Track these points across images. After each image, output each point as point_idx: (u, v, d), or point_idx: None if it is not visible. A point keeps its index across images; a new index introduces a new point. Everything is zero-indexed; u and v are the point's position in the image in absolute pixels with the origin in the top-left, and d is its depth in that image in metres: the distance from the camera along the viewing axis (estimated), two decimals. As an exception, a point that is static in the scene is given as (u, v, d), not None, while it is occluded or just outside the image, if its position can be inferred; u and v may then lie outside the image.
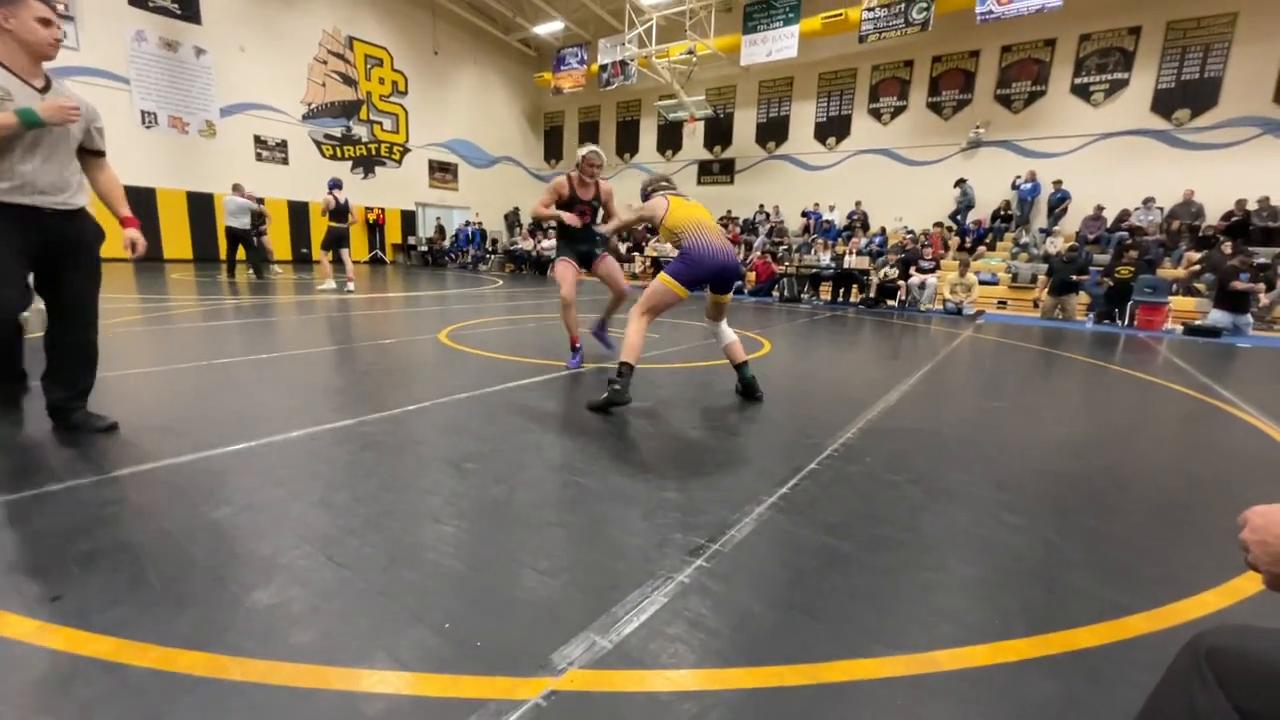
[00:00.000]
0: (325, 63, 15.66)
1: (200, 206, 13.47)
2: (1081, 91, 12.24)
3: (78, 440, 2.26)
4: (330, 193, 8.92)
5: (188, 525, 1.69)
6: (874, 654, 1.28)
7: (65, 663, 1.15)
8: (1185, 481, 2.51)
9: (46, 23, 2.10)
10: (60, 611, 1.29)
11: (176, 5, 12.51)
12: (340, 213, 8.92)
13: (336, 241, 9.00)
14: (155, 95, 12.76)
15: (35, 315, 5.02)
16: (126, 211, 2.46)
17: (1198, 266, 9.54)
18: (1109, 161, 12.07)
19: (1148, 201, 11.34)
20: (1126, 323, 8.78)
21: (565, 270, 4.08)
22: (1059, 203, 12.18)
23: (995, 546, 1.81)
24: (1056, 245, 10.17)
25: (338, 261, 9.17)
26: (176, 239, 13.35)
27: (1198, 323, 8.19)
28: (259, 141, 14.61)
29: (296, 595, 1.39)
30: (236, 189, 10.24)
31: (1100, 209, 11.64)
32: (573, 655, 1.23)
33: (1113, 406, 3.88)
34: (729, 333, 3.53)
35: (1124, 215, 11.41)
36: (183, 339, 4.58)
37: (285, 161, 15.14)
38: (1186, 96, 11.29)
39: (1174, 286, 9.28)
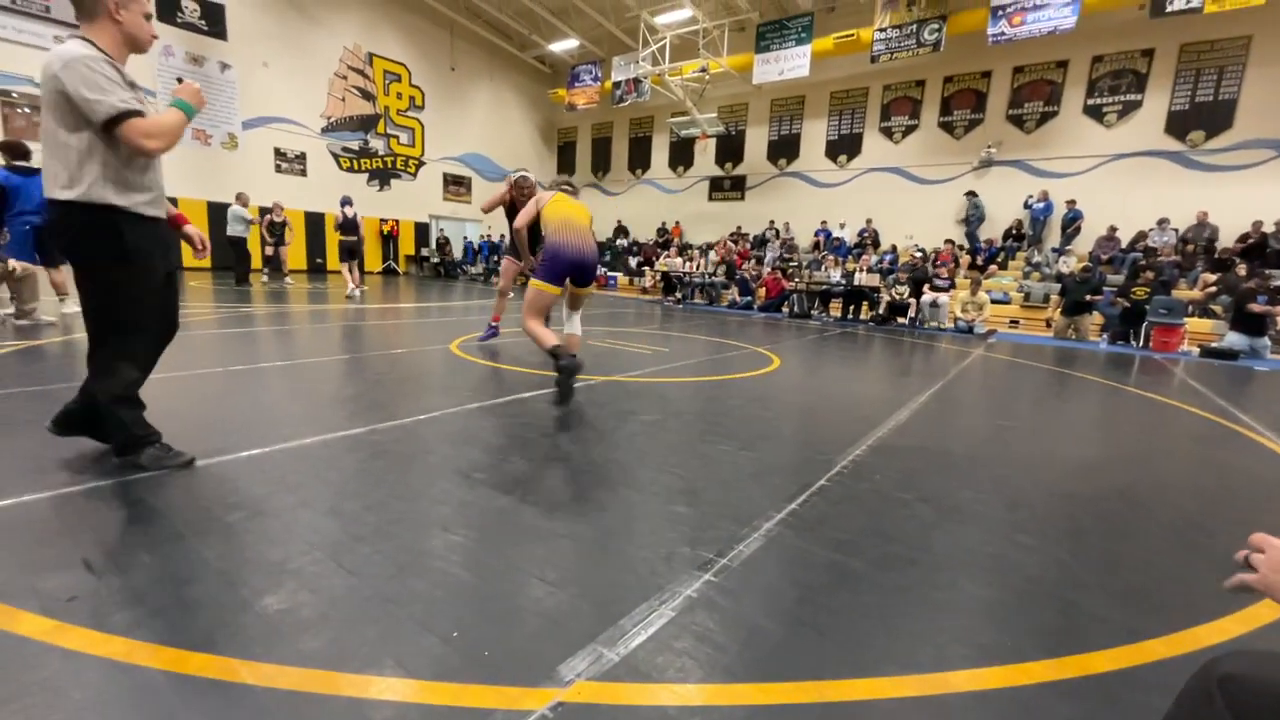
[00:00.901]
0: (345, 78, 15.99)
1: (220, 216, 13.66)
2: (1094, 112, 12.24)
3: (93, 443, 2.29)
4: (341, 209, 9.48)
5: (200, 529, 1.71)
6: (884, 673, 1.27)
7: (79, 663, 1.16)
8: (1201, 504, 2.47)
9: (149, 17, 2.02)
10: (75, 612, 1.31)
11: (204, 22, 12.86)
12: (347, 227, 9.31)
13: (348, 253, 9.41)
14: (180, 108, 13.08)
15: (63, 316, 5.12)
16: (174, 209, 2.38)
17: (1214, 288, 9.44)
18: (1122, 182, 12.02)
19: (1162, 222, 11.27)
20: (1141, 344, 8.69)
21: (508, 266, 5.37)
22: (1071, 222, 12.13)
23: (1007, 567, 1.79)
24: (1069, 265, 10.11)
25: (351, 271, 9.54)
26: (196, 248, 13.64)
27: (1214, 345, 8.09)
28: (279, 154, 14.90)
29: (306, 601, 1.40)
30: (239, 198, 10.61)
31: (1113, 229, 11.58)
32: (579, 667, 1.22)
33: (1127, 428, 3.83)
34: (577, 324, 3.89)
35: (1140, 236, 11.34)
36: (198, 346, 4.64)
37: (304, 173, 15.43)
38: (1201, 118, 11.24)
39: (1190, 308, 9.18)
